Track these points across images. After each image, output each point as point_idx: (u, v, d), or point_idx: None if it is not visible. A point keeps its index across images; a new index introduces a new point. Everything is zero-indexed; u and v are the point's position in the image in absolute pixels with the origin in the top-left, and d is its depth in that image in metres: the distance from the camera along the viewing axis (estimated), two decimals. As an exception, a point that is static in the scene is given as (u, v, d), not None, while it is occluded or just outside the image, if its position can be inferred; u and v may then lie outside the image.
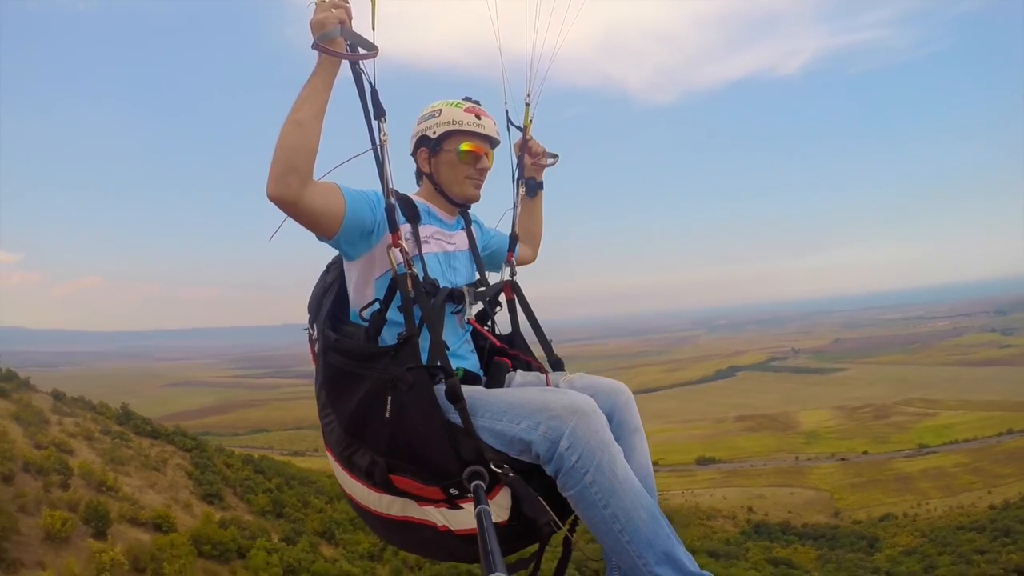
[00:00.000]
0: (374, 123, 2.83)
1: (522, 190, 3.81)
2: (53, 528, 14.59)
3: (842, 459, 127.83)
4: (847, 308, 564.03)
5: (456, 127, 3.21)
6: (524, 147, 3.75)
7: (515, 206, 3.78)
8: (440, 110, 3.26)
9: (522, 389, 2.99)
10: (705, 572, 2.59)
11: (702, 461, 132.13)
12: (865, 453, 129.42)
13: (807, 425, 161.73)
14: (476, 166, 3.29)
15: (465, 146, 3.22)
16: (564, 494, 2.58)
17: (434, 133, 3.24)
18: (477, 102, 3.36)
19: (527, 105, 3.71)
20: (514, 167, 3.78)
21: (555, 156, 3.80)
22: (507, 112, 3.65)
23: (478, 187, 3.36)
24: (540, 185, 3.86)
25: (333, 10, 2.64)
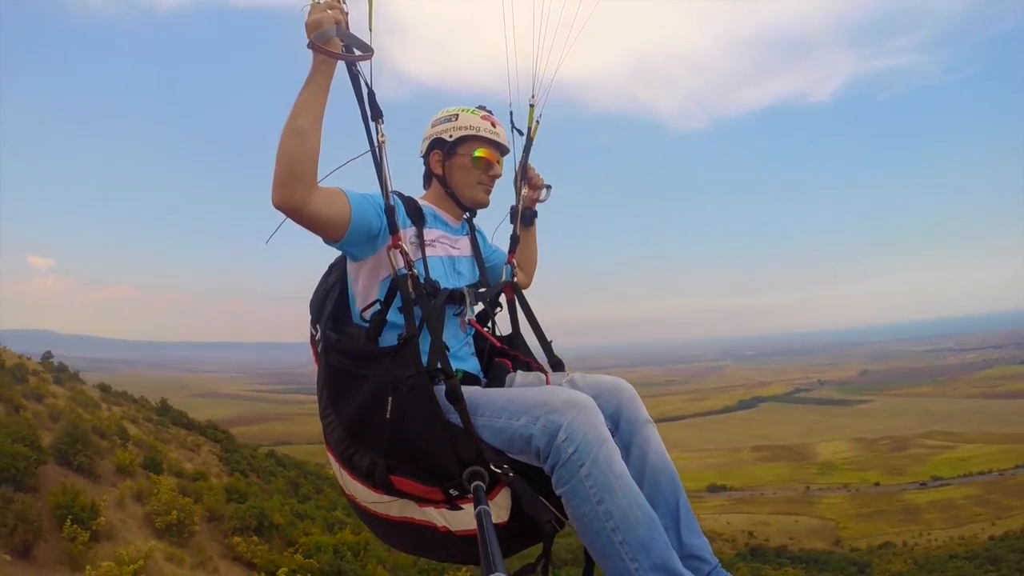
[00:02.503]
0: (372, 124, 2.85)
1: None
2: (123, 463, 17.65)
3: (851, 488, 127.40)
4: (878, 339, 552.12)
5: (473, 132, 3.29)
6: (523, 175, 3.78)
7: (516, 211, 3.82)
8: (456, 115, 3.34)
9: (521, 388, 3.04)
10: (724, 572, 2.63)
11: (713, 488, 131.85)
12: (877, 484, 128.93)
13: (823, 456, 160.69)
14: (489, 172, 3.36)
15: (480, 152, 3.30)
16: (558, 491, 2.53)
17: (450, 136, 3.30)
18: (491, 112, 3.45)
19: (531, 107, 3.73)
20: (517, 180, 3.80)
21: (550, 187, 3.83)
22: (511, 115, 3.68)
23: (488, 193, 3.42)
24: (535, 215, 3.87)
25: (328, 11, 2.64)
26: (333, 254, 3.29)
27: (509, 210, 3.80)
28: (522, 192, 3.78)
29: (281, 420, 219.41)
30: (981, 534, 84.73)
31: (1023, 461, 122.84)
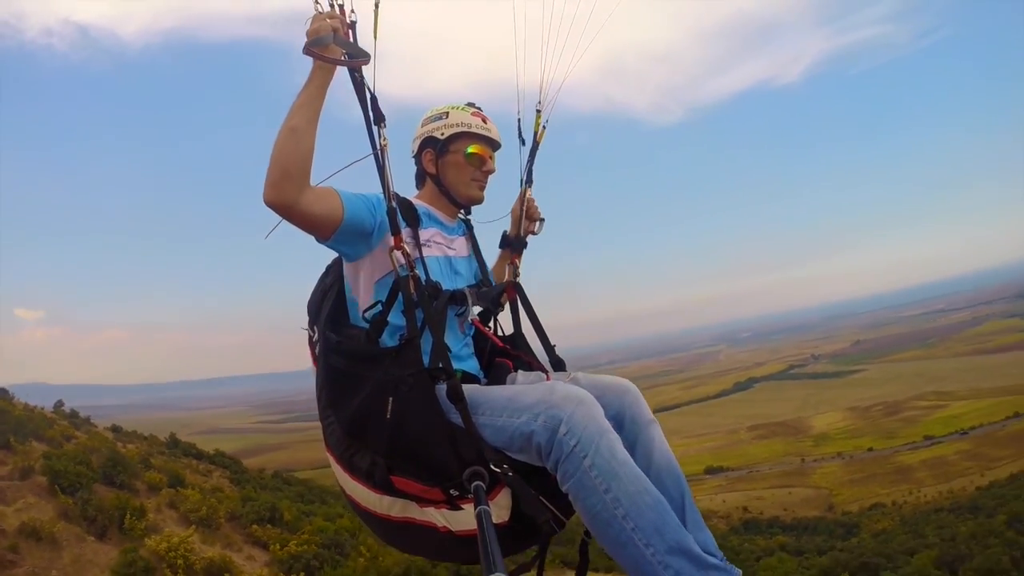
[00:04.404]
0: (374, 129, 2.88)
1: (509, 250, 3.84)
2: (154, 481, 20.56)
3: (844, 456, 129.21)
4: (870, 309, 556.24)
5: (464, 129, 3.29)
6: (528, 179, 3.80)
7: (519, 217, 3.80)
8: (447, 112, 3.34)
9: (521, 386, 3.03)
10: (729, 566, 2.55)
11: (711, 470, 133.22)
12: (870, 449, 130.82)
13: (818, 428, 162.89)
14: (482, 168, 3.37)
15: (473, 148, 3.30)
16: (564, 486, 2.52)
17: (442, 134, 3.30)
18: (480, 108, 3.44)
19: (538, 112, 3.76)
20: (516, 208, 3.81)
21: (543, 220, 3.83)
22: (519, 122, 3.71)
23: (482, 189, 3.43)
24: (525, 245, 3.82)
25: (328, 20, 2.72)
26: (329, 256, 3.35)
27: (502, 235, 3.83)
28: (521, 224, 3.78)
29: (283, 449, 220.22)
30: (969, 486, 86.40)
31: (1012, 412, 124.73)
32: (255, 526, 19.34)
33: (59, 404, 41.63)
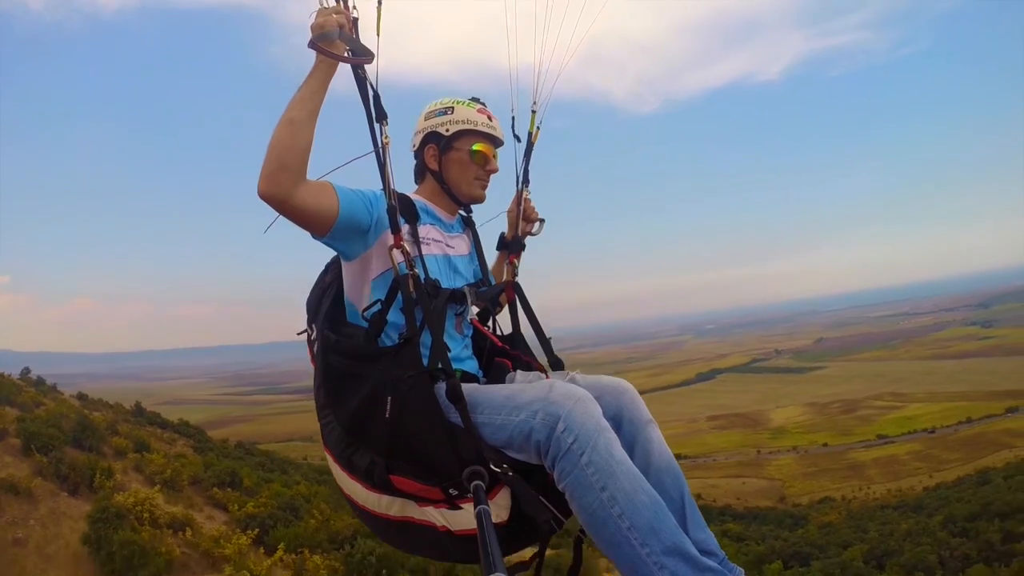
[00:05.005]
0: (376, 126, 2.85)
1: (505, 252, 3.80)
2: (120, 446, 21.70)
3: (800, 450, 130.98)
4: (835, 308, 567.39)
5: (471, 127, 3.23)
6: (524, 180, 3.73)
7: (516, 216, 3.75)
8: (452, 107, 3.27)
9: (520, 385, 3.00)
10: (731, 566, 2.56)
11: None
12: (825, 445, 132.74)
13: (777, 422, 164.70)
14: (486, 167, 3.32)
15: (478, 146, 3.25)
16: (561, 485, 2.51)
17: (447, 131, 3.23)
18: (484, 104, 3.39)
19: (533, 112, 3.67)
20: (513, 209, 3.76)
21: (543, 221, 3.78)
22: (512, 120, 3.61)
23: (484, 188, 3.38)
24: (523, 247, 3.77)
25: (334, 15, 2.68)
26: (327, 254, 3.28)
27: (499, 236, 3.79)
28: (519, 226, 3.73)
29: (248, 421, 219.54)
30: (917, 486, 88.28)
31: (965, 417, 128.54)
32: (216, 489, 20.13)
33: (26, 371, 41.77)
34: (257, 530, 16.09)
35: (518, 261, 3.72)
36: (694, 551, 2.44)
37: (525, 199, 3.77)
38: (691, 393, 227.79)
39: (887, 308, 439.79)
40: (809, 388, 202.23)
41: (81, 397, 42.27)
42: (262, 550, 14.78)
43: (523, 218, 3.75)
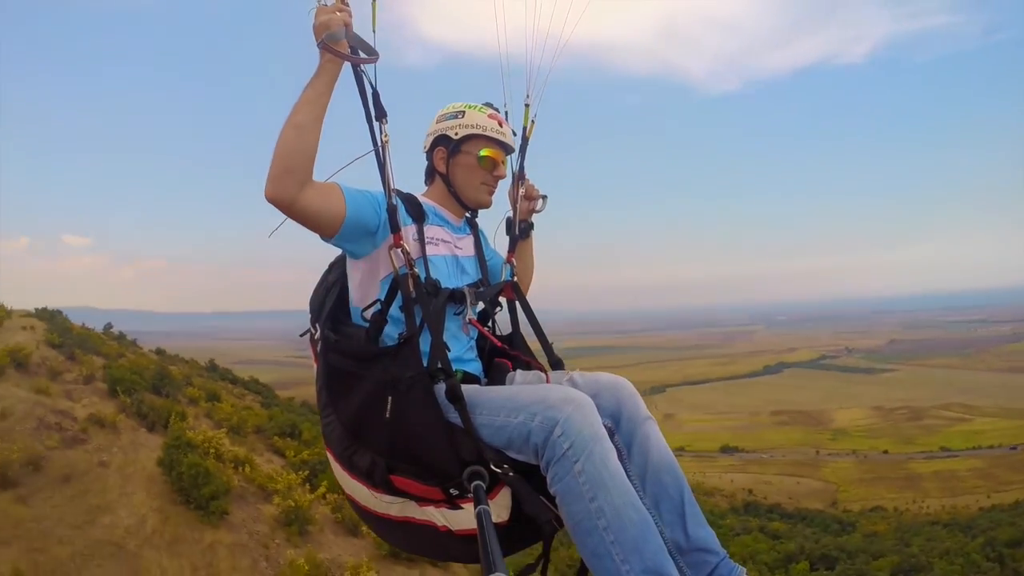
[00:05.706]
0: (376, 124, 2.82)
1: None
2: (193, 395, 23.99)
3: (859, 455, 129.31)
4: (911, 308, 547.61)
5: (480, 131, 3.22)
6: (520, 176, 3.69)
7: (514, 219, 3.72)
8: (463, 111, 3.26)
9: (520, 386, 3.04)
10: (733, 566, 2.57)
11: (726, 449, 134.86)
12: (885, 452, 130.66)
13: (839, 423, 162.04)
14: (493, 172, 3.31)
15: (486, 151, 3.24)
16: (552, 488, 2.51)
17: (456, 134, 3.23)
18: (497, 109, 3.41)
19: (527, 107, 3.64)
20: (512, 189, 3.70)
21: (545, 197, 3.72)
22: (505, 114, 3.51)
23: (491, 194, 3.38)
24: (531, 226, 3.75)
25: (337, 13, 2.66)
26: (332, 252, 3.24)
27: (504, 220, 3.73)
28: (518, 203, 3.70)
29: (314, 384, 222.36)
30: (973, 505, 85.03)
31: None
32: (276, 438, 21.94)
33: (108, 327, 44.45)
34: (307, 472, 17.65)
35: (517, 260, 3.73)
36: (672, 574, 2.43)
37: (526, 179, 3.77)
38: (756, 386, 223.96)
39: (962, 313, 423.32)
40: (876, 391, 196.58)
41: (159, 352, 44.77)
42: (308, 486, 16.09)
43: (525, 197, 3.74)
